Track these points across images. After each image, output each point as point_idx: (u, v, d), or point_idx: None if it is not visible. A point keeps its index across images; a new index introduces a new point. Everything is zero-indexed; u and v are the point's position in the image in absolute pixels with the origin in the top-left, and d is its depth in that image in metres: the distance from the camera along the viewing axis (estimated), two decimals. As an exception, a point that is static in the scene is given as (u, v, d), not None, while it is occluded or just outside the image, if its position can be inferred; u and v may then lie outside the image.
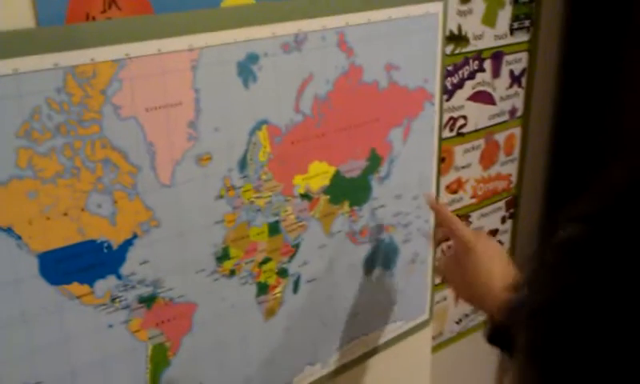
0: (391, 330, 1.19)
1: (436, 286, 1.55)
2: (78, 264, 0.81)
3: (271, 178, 0.93)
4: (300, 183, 0.97)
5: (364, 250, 1.09)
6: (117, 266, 0.84)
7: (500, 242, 1.76)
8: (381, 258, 1.11)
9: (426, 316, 1.24)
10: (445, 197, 1.55)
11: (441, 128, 1.12)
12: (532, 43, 1.60)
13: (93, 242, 0.81)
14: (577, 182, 1.73)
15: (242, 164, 0.90)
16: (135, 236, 0.84)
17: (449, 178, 1.53)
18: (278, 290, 0.99)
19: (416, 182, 1.12)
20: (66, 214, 0.78)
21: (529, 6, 1.55)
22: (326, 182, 1.00)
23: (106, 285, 0.83)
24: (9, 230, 0.75)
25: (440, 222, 1.02)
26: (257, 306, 0.98)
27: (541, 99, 1.69)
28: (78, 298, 0.82)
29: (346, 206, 1.04)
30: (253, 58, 0.88)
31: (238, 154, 0.90)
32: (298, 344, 1.05)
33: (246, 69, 0.88)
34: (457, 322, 1.75)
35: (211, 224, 0.90)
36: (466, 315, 1.78)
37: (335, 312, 1.08)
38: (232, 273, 0.94)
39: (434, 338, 1.67)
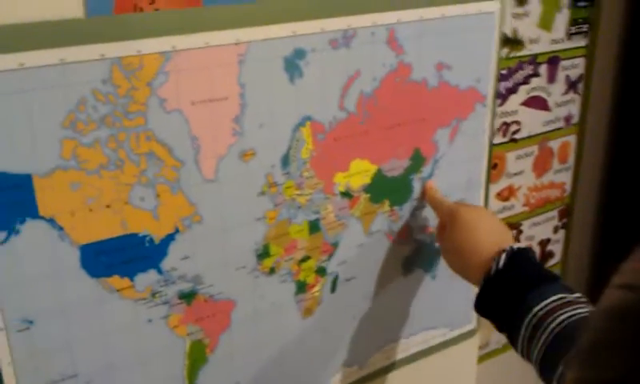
0: (433, 337, 1.17)
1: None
2: (120, 257, 0.80)
3: (313, 176, 0.92)
4: (341, 181, 0.95)
5: (404, 250, 1.07)
6: (158, 261, 0.83)
7: (551, 252, 1.73)
8: (421, 259, 1.08)
9: (472, 325, 1.22)
10: (495, 204, 1.52)
11: (492, 132, 1.09)
12: (590, 48, 1.56)
13: (135, 235, 0.80)
14: (634, 193, 1.70)
15: (285, 160, 0.89)
16: (177, 231, 0.83)
17: (500, 185, 1.50)
18: (316, 288, 0.98)
19: (463, 185, 1.09)
20: (108, 207, 0.78)
21: (588, 10, 1.51)
22: (367, 181, 0.98)
23: (146, 279, 0.83)
24: (51, 221, 0.75)
25: (423, 197, 1.02)
26: (295, 305, 0.97)
27: (598, 106, 1.65)
28: (118, 291, 0.81)
29: (386, 205, 1.02)
30: (300, 54, 0.86)
31: (281, 151, 0.89)
32: (335, 344, 1.04)
33: (293, 64, 0.86)
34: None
35: (253, 221, 0.89)
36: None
37: (373, 313, 1.06)
38: (272, 271, 0.93)
39: (479, 348, 1.65)
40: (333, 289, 1.00)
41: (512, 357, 1.69)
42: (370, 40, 0.91)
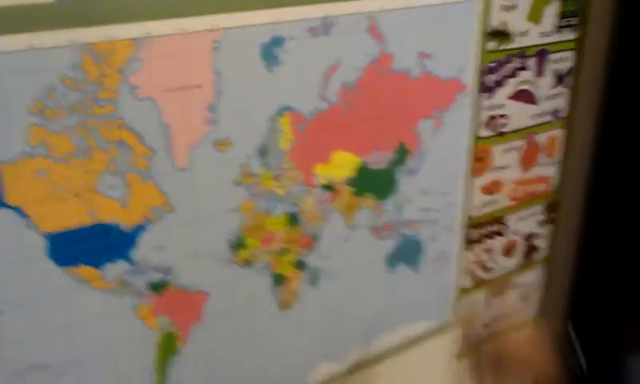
0: (413, 330, 1.15)
1: (465, 289, 1.51)
2: (88, 247, 0.79)
3: (292, 167, 0.90)
4: (322, 173, 0.93)
5: (387, 245, 1.05)
6: (127, 251, 0.82)
7: (536, 247, 1.71)
8: (405, 254, 1.07)
9: (450, 318, 1.20)
10: (480, 198, 1.49)
11: (476, 123, 1.07)
12: (579, 42, 1.53)
13: (103, 224, 0.79)
14: (621, 188, 1.68)
15: (263, 151, 0.87)
16: (148, 221, 0.81)
17: (485, 179, 1.48)
18: (294, 282, 0.96)
19: (446, 178, 1.07)
20: (77, 195, 0.76)
21: (577, 2, 1.48)
22: (350, 173, 0.96)
23: (115, 269, 0.81)
24: (18, 210, 0.73)
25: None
26: (272, 298, 0.95)
27: (586, 101, 1.63)
28: (87, 281, 0.80)
29: (369, 199, 1.00)
30: (277, 41, 0.84)
31: (258, 141, 0.87)
32: (315, 339, 1.02)
33: (270, 52, 0.84)
34: (485, 325, 1.71)
35: (227, 211, 0.87)
36: (495, 319, 1.74)
37: (354, 308, 1.05)
38: (247, 262, 0.91)
39: (458, 340, 1.64)
40: (313, 283, 0.98)
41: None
42: (351, 29, 0.89)
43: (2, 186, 0.72)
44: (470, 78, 1.04)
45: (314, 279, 0.98)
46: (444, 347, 1.24)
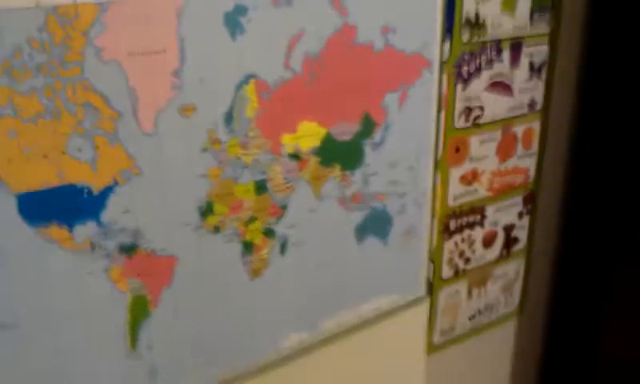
0: (384, 303, 1.17)
1: (446, 279, 1.53)
2: (58, 207, 0.81)
3: (259, 135, 0.93)
4: (289, 142, 0.96)
5: (356, 216, 1.07)
6: (97, 213, 0.84)
7: (516, 238, 1.73)
8: (374, 226, 1.09)
9: (422, 292, 1.22)
10: (459, 188, 1.52)
11: (441, 99, 1.10)
12: (553, 35, 1.57)
13: (73, 186, 0.81)
14: (598, 179, 1.70)
15: (228, 118, 0.90)
16: (116, 183, 0.84)
17: (464, 169, 1.50)
18: (264, 250, 0.98)
19: (413, 153, 1.10)
20: (46, 156, 0.78)
21: (551, -6, 1.52)
22: (316, 144, 0.99)
23: (85, 231, 0.83)
24: (-13, 169, 0.75)
25: None
26: (242, 266, 0.97)
27: (562, 93, 1.66)
28: (57, 241, 0.82)
29: (337, 170, 1.02)
30: (241, 10, 0.87)
31: (223, 107, 0.89)
32: (285, 308, 1.04)
33: (234, 20, 0.87)
34: (470, 319, 1.73)
35: (195, 177, 0.89)
36: (480, 312, 1.76)
37: (324, 278, 1.07)
38: (216, 229, 0.93)
39: (444, 332, 1.65)
40: (282, 252, 1.00)
41: (478, 342, 1.70)
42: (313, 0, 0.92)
43: (-28, 145, 0.74)
44: (434, 54, 1.06)
45: (283, 248, 1.00)
46: (416, 321, 1.26)
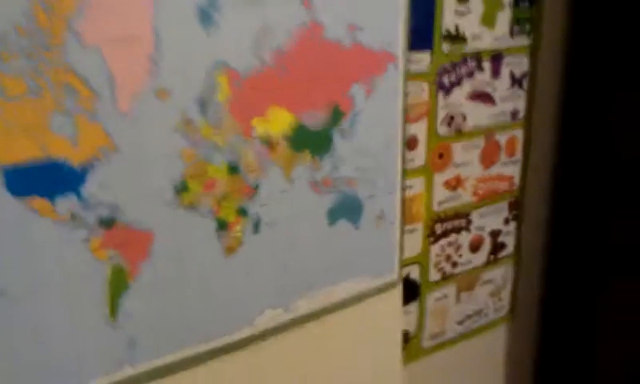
0: (357, 285, 1.23)
1: (434, 282, 1.58)
2: (40, 179, 0.88)
3: (230, 119, 1.00)
4: (259, 126, 1.03)
5: (327, 200, 1.14)
6: (77, 186, 0.91)
7: (503, 243, 1.78)
8: (345, 210, 1.15)
9: (394, 276, 1.28)
10: (443, 193, 1.58)
11: (405, 94, 1.17)
12: (533, 47, 1.63)
13: (54, 160, 0.89)
14: (582, 185, 1.75)
15: (201, 103, 0.97)
16: (96, 159, 0.91)
17: (448, 175, 1.56)
18: (237, 228, 1.05)
19: (381, 142, 1.17)
20: (29, 131, 0.86)
21: (529, 9, 1.58)
22: (286, 129, 1.06)
23: (66, 203, 0.90)
24: (-26, 142, 0.83)
25: None
26: (217, 242, 1.04)
27: (544, 102, 1.72)
28: (40, 212, 0.89)
29: (307, 155, 1.09)
30: (212, 3, 0.95)
31: (196, 93, 0.97)
32: (260, 285, 1.10)
33: (206, 13, 0.95)
34: (458, 323, 1.77)
35: (170, 156, 0.97)
36: (469, 316, 1.80)
37: (298, 259, 1.13)
38: (191, 205, 1.00)
39: (434, 336, 1.70)
40: (256, 230, 1.07)
41: (468, 347, 1.74)
42: (283, -1, 1.00)
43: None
44: (399, 50, 1.14)
45: (256, 227, 1.07)
46: (390, 305, 1.31)
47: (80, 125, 0.89)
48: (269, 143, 1.04)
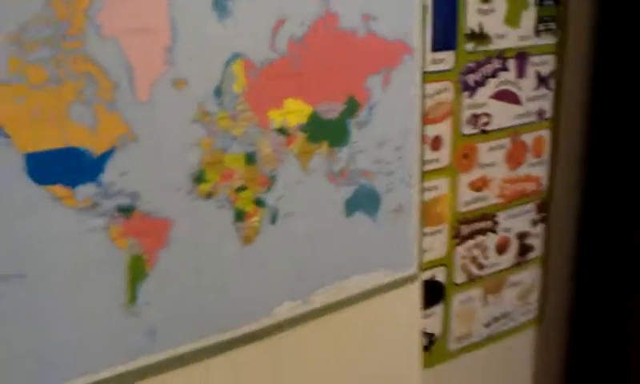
0: (374, 279, 1.23)
1: (459, 285, 1.58)
2: (61, 167, 0.91)
3: (247, 110, 1.02)
4: (276, 118, 1.05)
5: (344, 191, 1.15)
6: (97, 174, 0.93)
7: (531, 246, 1.77)
8: (362, 202, 1.16)
9: (413, 270, 1.28)
10: (469, 194, 1.58)
11: (422, 85, 1.18)
12: (559, 46, 1.62)
13: (75, 148, 0.91)
14: (612, 187, 1.73)
15: (218, 92, 0.99)
16: (114, 148, 0.94)
17: (473, 175, 1.56)
18: (255, 218, 1.07)
19: (398, 134, 1.18)
20: (50, 120, 0.89)
21: (555, 8, 1.58)
22: (303, 120, 1.07)
23: (86, 190, 0.93)
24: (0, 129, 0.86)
25: None
26: (234, 231, 1.05)
27: (571, 102, 1.70)
28: (61, 198, 0.91)
29: (324, 146, 1.11)
30: (227, -6, 0.97)
31: (213, 83, 0.99)
32: (278, 276, 1.11)
33: (221, 4, 0.97)
34: (485, 326, 1.75)
35: (187, 145, 0.99)
36: (496, 319, 1.78)
37: (315, 250, 1.14)
38: (208, 195, 1.02)
39: (460, 339, 1.69)
40: (273, 221, 1.08)
41: (495, 350, 1.72)
42: (295, -15, 1.02)
43: (-13, 108, 0.85)
44: (415, 41, 1.15)
45: (274, 218, 1.08)
46: (407, 300, 1.31)
47: (99, 114, 0.91)
48: (285, 134, 1.05)
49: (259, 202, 1.06)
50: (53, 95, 0.88)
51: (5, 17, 0.83)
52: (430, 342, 1.62)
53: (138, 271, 0.99)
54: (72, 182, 0.92)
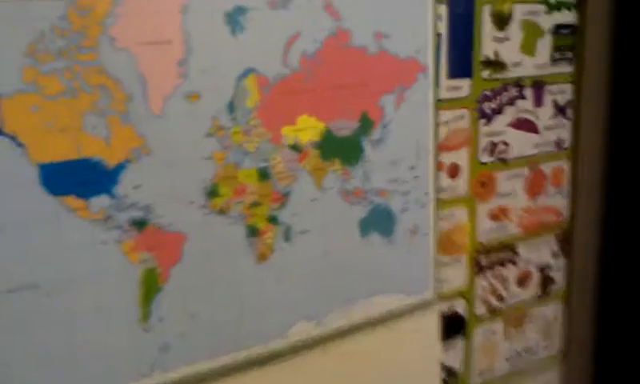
0: (391, 302, 1.21)
1: (480, 317, 1.55)
2: (75, 178, 0.91)
3: (259, 125, 1.02)
4: (289, 134, 1.05)
5: (359, 210, 1.14)
6: (110, 186, 0.94)
7: (552, 278, 1.74)
8: (377, 223, 1.15)
9: (429, 294, 1.26)
10: (487, 223, 1.56)
11: (436, 105, 1.18)
12: (576, 75, 1.62)
13: (88, 160, 0.92)
14: (635, 217, 1.70)
15: (231, 107, 1.00)
16: (128, 160, 0.94)
17: (491, 205, 1.55)
18: (268, 235, 1.06)
19: (412, 153, 1.17)
20: (64, 131, 0.90)
21: (571, 37, 1.58)
22: (316, 137, 1.07)
23: (100, 202, 0.93)
24: (14, 138, 0.87)
25: None
26: (247, 248, 1.05)
27: (590, 131, 1.69)
28: (74, 210, 0.92)
29: (337, 164, 1.10)
30: (240, 10, 0.99)
31: (225, 97, 0.99)
32: (293, 294, 1.10)
33: (234, 19, 0.98)
34: (507, 360, 1.72)
35: (201, 159, 0.99)
36: (518, 354, 1.75)
37: (330, 270, 1.12)
38: (222, 210, 1.02)
39: (482, 373, 1.66)
40: (286, 239, 1.08)
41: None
42: (307, 5, 1.03)
43: (3, 117, 0.86)
44: (428, 59, 1.15)
45: (287, 235, 1.08)
46: (426, 324, 1.28)
47: (113, 126, 0.92)
48: (298, 150, 1.05)
49: (272, 219, 1.06)
50: (67, 106, 0.89)
51: (21, 27, 0.84)
52: (450, 376, 1.58)
53: (151, 285, 0.98)
54: (86, 193, 0.92)
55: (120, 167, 0.94)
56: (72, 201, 0.92)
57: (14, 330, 0.90)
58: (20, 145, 0.87)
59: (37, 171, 0.89)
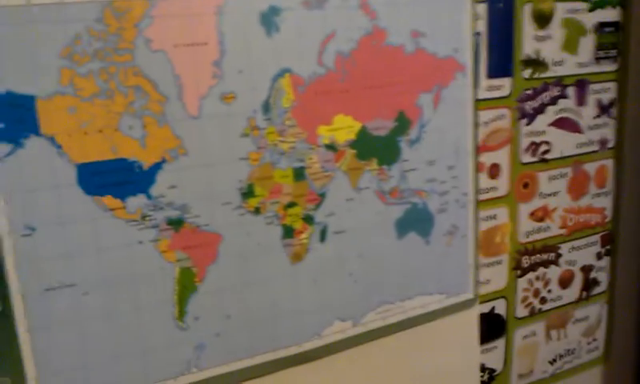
0: (430, 303, 1.20)
1: (521, 319, 1.53)
2: (112, 179, 0.92)
3: (295, 125, 1.02)
4: (325, 134, 1.04)
5: (395, 211, 1.13)
6: (147, 186, 0.94)
7: (596, 279, 1.71)
8: (415, 223, 1.14)
9: (470, 295, 1.24)
10: (530, 224, 1.54)
11: (475, 104, 1.16)
12: (620, 73, 1.59)
13: (125, 160, 0.93)
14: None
15: (266, 107, 1.00)
16: (164, 160, 0.95)
17: (534, 205, 1.53)
18: (304, 235, 1.06)
19: (451, 152, 1.16)
20: (100, 131, 0.91)
21: (614, 35, 1.56)
22: (352, 137, 1.07)
23: (136, 202, 0.94)
24: (51, 139, 0.88)
25: None
26: (282, 248, 1.05)
27: (634, 130, 1.66)
28: (111, 210, 0.93)
29: (373, 164, 1.10)
30: (275, 10, 0.98)
31: (261, 97, 0.99)
32: (328, 295, 1.10)
33: (269, 19, 0.98)
34: (550, 362, 1.70)
35: (236, 159, 0.99)
36: (560, 356, 1.72)
37: (366, 270, 1.12)
38: (257, 211, 1.02)
39: (522, 376, 1.64)
40: (322, 239, 1.07)
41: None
42: (342, 4, 1.03)
43: (39, 118, 0.88)
44: (467, 59, 1.14)
45: (323, 235, 1.07)
46: (465, 325, 1.27)
47: (149, 126, 0.92)
48: (334, 150, 1.05)
49: (308, 219, 1.05)
50: (103, 107, 0.90)
51: (58, 29, 0.85)
52: (490, 378, 1.56)
53: (187, 285, 0.99)
54: (123, 193, 0.93)
55: (156, 167, 0.94)
56: (109, 201, 0.92)
57: (51, 329, 0.90)
58: (58, 146, 0.88)
59: (74, 172, 0.90)
